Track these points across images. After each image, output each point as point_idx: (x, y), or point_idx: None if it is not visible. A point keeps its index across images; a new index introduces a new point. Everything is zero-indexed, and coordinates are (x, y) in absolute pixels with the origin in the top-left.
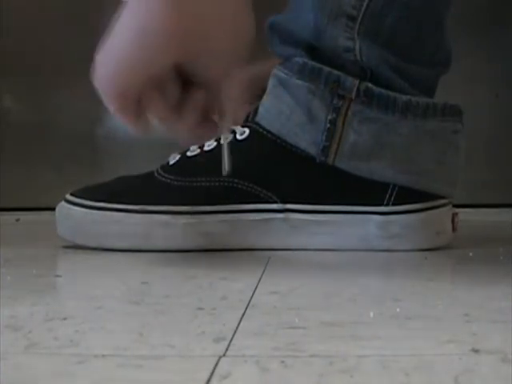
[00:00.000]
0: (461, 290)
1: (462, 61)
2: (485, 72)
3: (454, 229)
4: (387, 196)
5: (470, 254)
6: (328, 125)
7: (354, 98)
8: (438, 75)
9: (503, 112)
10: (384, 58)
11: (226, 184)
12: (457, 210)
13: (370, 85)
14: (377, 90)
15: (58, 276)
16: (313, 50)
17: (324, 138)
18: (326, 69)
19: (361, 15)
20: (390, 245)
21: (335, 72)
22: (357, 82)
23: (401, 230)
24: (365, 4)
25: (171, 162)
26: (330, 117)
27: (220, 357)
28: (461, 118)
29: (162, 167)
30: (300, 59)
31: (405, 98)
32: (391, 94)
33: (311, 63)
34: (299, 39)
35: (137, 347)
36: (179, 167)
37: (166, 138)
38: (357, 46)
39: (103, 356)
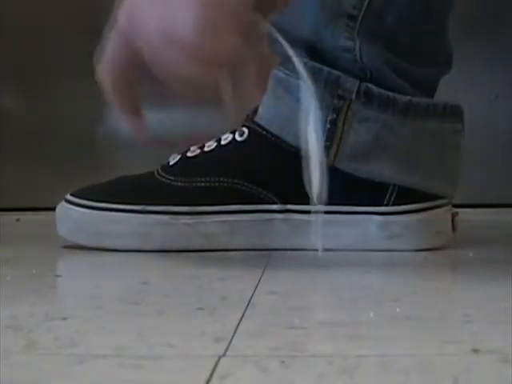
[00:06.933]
0: (461, 289)
1: (462, 62)
2: (485, 73)
3: (453, 229)
4: (387, 196)
5: (470, 254)
6: (328, 125)
7: (354, 98)
8: (439, 75)
9: (503, 112)
10: (384, 59)
11: (226, 185)
12: (457, 209)
13: (370, 85)
14: (377, 90)
15: (57, 276)
16: (313, 50)
17: (324, 138)
18: (326, 69)
19: (361, 14)
20: (389, 245)
21: (335, 72)
22: (357, 82)
23: (401, 230)
24: (365, 3)
25: (171, 163)
26: (330, 117)
27: (220, 357)
28: (461, 118)
29: (163, 167)
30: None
31: (405, 98)
32: (391, 94)
33: (311, 63)
34: (299, 39)
35: (137, 347)
36: (179, 167)
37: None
38: (357, 47)
39: (103, 356)
